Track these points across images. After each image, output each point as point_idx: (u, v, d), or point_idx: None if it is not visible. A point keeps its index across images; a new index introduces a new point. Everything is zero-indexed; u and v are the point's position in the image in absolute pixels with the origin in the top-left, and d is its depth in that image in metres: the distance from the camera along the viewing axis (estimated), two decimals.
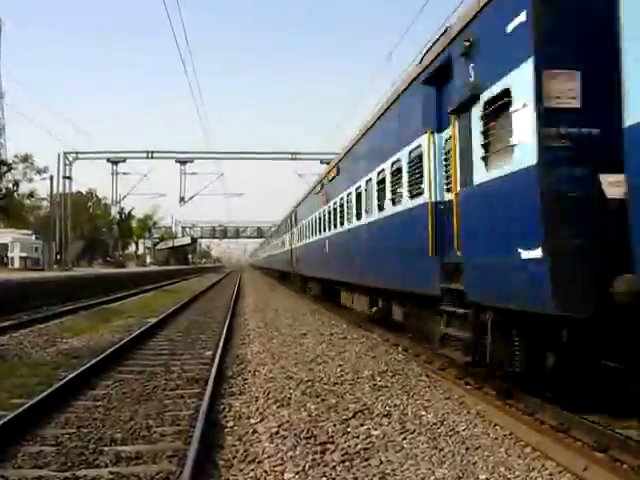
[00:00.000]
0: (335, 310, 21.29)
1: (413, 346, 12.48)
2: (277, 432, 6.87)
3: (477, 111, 7.61)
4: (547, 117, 6.09)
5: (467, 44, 7.78)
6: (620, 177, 5.62)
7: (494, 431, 6.87)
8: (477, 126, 7.64)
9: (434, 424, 7.20)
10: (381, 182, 12.77)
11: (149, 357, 12.16)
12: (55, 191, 54.74)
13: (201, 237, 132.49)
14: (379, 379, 9.69)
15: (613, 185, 5.80)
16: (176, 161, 55.24)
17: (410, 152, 10.69)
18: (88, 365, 10.16)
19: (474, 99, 7.65)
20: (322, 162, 49.13)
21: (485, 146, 7.45)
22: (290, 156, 54.43)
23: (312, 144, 79.73)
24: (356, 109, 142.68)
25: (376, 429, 7.00)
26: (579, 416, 6.61)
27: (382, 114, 12.86)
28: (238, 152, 56.73)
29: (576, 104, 6.09)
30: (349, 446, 6.37)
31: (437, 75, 9.28)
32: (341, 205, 17.84)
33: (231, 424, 7.24)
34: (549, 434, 6.59)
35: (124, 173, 57.27)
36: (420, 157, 10.06)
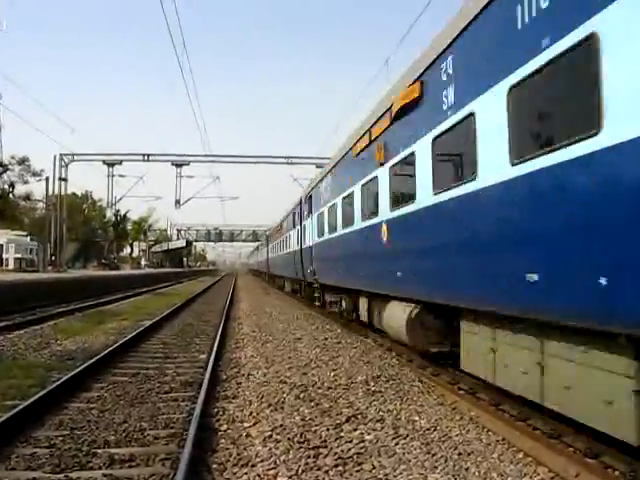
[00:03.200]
0: (330, 315, 21.29)
1: (407, 351, 12.51)
2: (270, 436, 6.89)
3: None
4: None
5: None
6: None
7: (487, 437, 6.90)
8: None
9: (427, 429, 7.22)
10: None
11: (143, 360, 12.15)
12: (50, 192, 54.67)
13: (196, 240, 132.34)
14: (373, 384, 9.72)
15: None
16: (172, 164, 55.16)
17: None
18: (82, 367, 10.16)
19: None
20: (317, 166, 49.16)
21: None
22: (285, 160, 54.43)
23: (308, 149, 79.78)
24: (353, 113, 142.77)
25: (369, 434, 7.03)
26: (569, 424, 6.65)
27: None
28: (234, 156, 56.73)
29: None
30: (342, 450, 6.39)
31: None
32: None
33: (224, 427, 7.25)
34: (541, 440, 6.62)
35: (120, 175, 57.22)
36: None
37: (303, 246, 24.81)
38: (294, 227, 28.73)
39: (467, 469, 5.89)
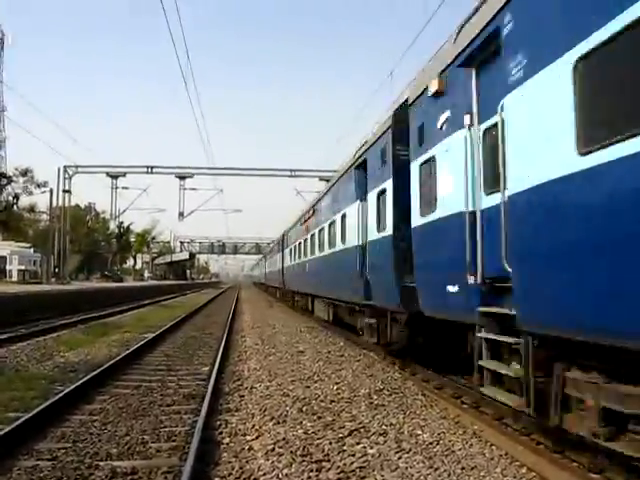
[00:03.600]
0: (332, 328, 21.26)
1: (410, 365, 12.48)
2: (273, 449, 6.86)
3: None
4: None
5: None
6: None
7: (490, 451, 6.87)
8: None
9: (430, 443, 7.19)
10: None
11: (146, 372, 12.14)
12: (54, 204, 54.84)
13: (199, 252, 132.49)
14: (376, 397, 9.69)
15: None
16: (176, 176, 55.35)
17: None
18: (85, 379, 10.16)
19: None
20: (321, 179, 49.27)
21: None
22: (289, 173, 54.58)
23: (311, 161, 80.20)
24: (357, 125, 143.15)
25: (372, 447, 7.00)
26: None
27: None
28: (237, 168, 56.87)
29: None
30: (345, 464, 6.37)
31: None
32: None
33: (227, 440, 7.24)
34: (545, 455, 6.60)
35: (124, 187, 57.42)
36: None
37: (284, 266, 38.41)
38: (278, 253, 43.96)
39: None
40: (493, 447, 7.00)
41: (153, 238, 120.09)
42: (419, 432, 7.68)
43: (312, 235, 24.07)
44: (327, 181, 28.20)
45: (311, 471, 6.13)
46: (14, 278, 71.67)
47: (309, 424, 7.99)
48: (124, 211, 62.28)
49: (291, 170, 54.66)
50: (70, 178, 54.15)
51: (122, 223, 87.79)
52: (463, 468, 6.31)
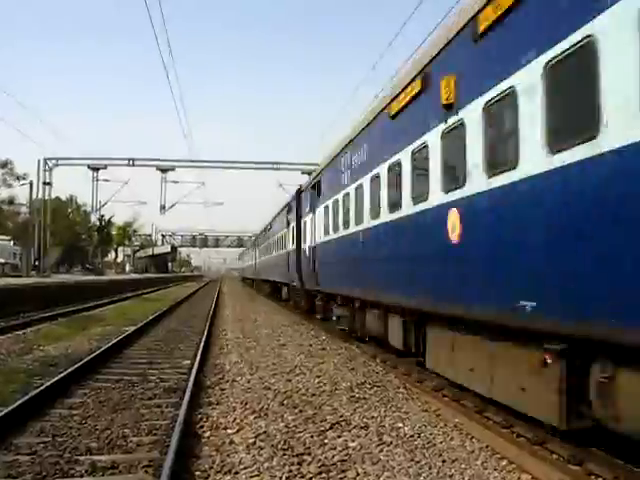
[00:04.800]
0: (315, 322, 21.27)
1: (392, 358, 12.51)
2: (254, 443, 6.86)
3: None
4: None
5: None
6: None
7: (471, 444, 6.90)
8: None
9: (411, 436, 7.22)
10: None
11: (127, 366, 12.08)
12: (34, 197, 54.37)
13: (181, 246, 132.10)
14: (357, 391, 9.70)
15: None
16: (157, 169, 55.06)
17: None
18: (65, 373, 10.08)
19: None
20: (303, 172, 49.23)
21: None
22: (272, 166, 54.49)
23: (294, 155, 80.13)
24: (340, 118, 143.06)
25: (353, 441, 7.01)
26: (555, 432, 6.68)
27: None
28: (219, 161, 56.70)
29: None
30: (326, 457, 6.37)
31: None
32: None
33: (208, 434, 7.22)
34: (525, 447, 6.64)
35: (104, 180, 57.02)
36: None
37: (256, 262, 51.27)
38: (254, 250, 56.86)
39: (451, 476, 5.89)
40: (474, 440, 7.03)
41: (134, 231, 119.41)
42: (400, 425, 7.70)
43: (269, 243, 38.58)
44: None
45: (292, 464, 6.13)
46: None
47: (290, 417, 7.99)
48: (105, 204, 62.04)
49: (274, 163, 54.58)
50: (50, 170, 53.69)
51: (103, 216, 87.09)
52: (444, 461, 6.33)
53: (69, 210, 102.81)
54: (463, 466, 6.17)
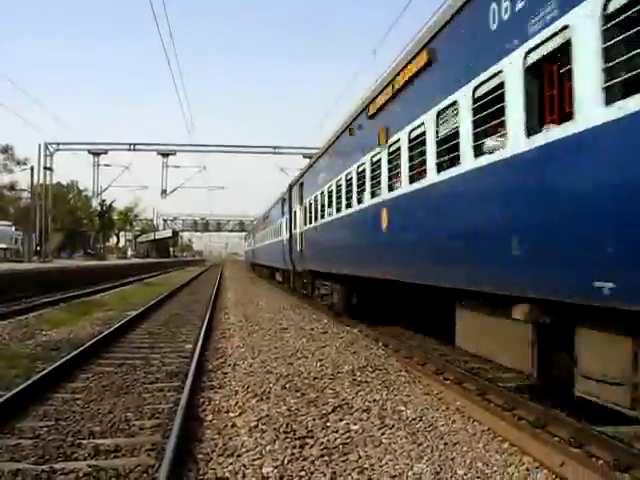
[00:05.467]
0: (316, 305, 21.30)
1: (394, 341, 12.52)
2: (256, 426, 6.88)
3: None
4: None
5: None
6: None
7: (472, 427, 6.92)
8: None
9: (413, 419, 7.23)
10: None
11: (129, 350, 12.10)
12: (36, 182, 54.31)
13: (182, 230, 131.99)
14: (359, 374, 9.72)
15: None
16: (158, 153, 54.90)
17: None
18: (67, 357, 10.09)
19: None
20: (304, 156, 49.06)
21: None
22: (272, 150, 54.32)
23: (295, 138, 79.88)
24: (340, 103, 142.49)
25: (355, 424, 7.03)
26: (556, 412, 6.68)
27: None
28: (221, 145, 56.49)
29: None
30: (328, 441, 6.39)
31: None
32: None
33: (210, 418, 7.24)
34: (527, 430, 6.65)
35: (105, 165, 56.87)
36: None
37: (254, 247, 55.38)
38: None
39: (453, 459, 5.91)
40: (476, 423, 7.05)
41: (136, 216, 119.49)
42: (402, 408, 7.71)
43: (265, 231, 41.85)
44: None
45: (294, 447, 6.15)
46: None
47: (292, 401, 8.00)
48: (106, 189, 61.78)
49: (274, 147, 54.40)
50: (51, 155, 53.58)
51: (104, 201, 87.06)
52: (446, 444, 6.35)
53: (70, 195, 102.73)
54: (465, 449, 6.18)
